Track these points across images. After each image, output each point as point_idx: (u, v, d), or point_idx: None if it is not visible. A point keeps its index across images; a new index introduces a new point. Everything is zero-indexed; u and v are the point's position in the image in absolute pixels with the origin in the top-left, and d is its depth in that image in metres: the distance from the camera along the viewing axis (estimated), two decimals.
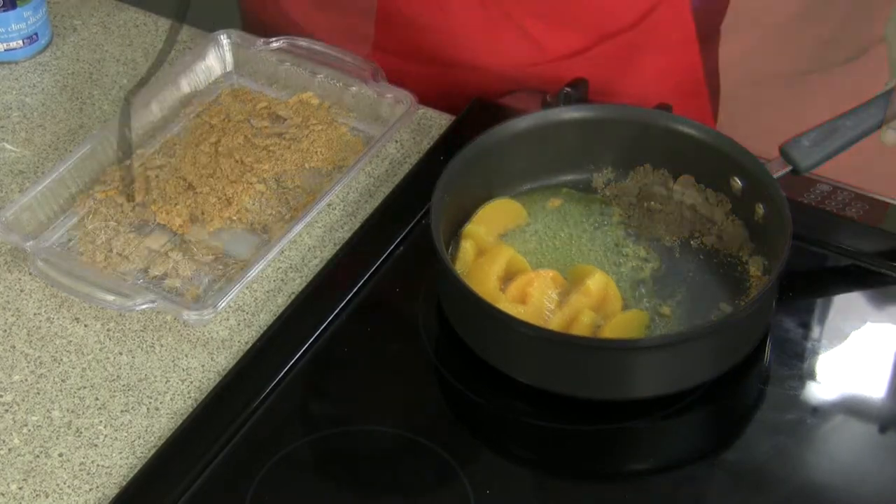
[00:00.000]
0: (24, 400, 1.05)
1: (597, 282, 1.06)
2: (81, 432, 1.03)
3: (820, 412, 1.05)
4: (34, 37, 1.35)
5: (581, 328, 1.04)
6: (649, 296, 1.09)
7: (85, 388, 1.06)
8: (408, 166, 1.23)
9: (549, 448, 1.03)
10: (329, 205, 1.19)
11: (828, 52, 1.48)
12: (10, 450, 1.02)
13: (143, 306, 1.08)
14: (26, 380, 1.07)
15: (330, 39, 1.30)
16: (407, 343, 1.09)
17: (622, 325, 1.05)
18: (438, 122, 1.28)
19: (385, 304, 1.12)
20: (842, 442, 1.03)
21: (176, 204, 1.18)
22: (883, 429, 1.04)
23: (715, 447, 1.03)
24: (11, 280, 1.14)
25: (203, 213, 1.17)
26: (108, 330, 1.10)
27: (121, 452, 1.02)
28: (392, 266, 1.13)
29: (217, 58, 1.30)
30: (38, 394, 1.06)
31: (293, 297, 1.12)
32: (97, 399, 1.05)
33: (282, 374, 1.05)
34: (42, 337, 1.10)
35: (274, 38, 1.30)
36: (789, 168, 1.11)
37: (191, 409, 1.04)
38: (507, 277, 1.08)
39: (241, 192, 1.19)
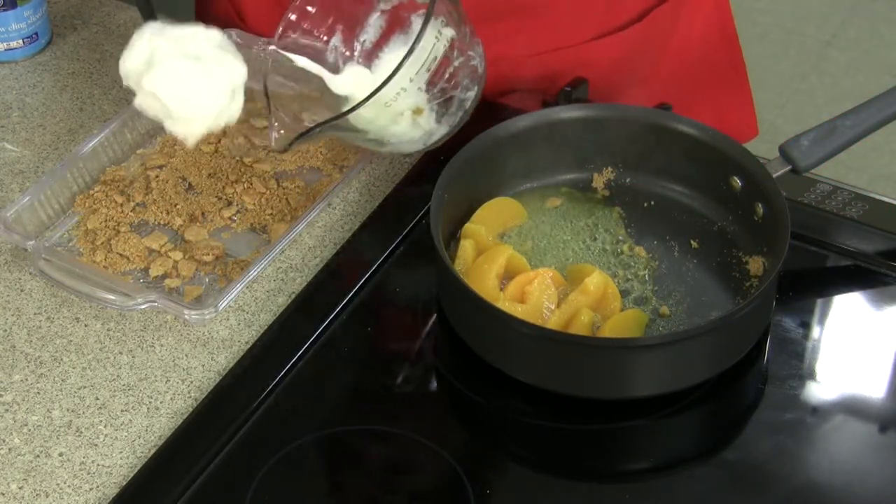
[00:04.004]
0: (24, 399, 1.05)
1: (596, 281, 1.06)
2: (81, 432, 1.03)
3: (820, 412, 1.05)
4: (34, 36, 1.35)
5: (580, 327, 1.04)
6: (648, 295, 1.09)
7: (85, 387, 1.06)
8: (408, 166, 1.23)
9: (549, 447, 1.03)
10: (329, 205, 1.19)
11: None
12: (10, 449, 1.02)
13: (144, 306, 1.08)
14: (26, 379, 1.07)
15: None
16: (407, 343, 1.09)
17: (621, 324, 1.05)
18: None
19: (385, 304, 1.12)
20: (842, 442, 1.03)
21: (176, 204, 1.18)
22: (883, 429, 1.04)
23: (715, 447, 1.03)
24: (12, 280, 1.14)
25: (203, 213, 1.17)
26: (108, 330, 1.10)
27: (121, 452, 1.02)
28: (392, 266, 1.13)
29: None
30: (39, 393, 1.06)
31: (293, 297, 1.12)
32: (97, 399, 1.05)
33: (282, 374, 1.05)
34: (42, 336, 1.10)
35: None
36: (789, 167, 1.11)
37: (191, 409, 1.04)
38: (507, 276, 1.08)
39: (241, 192, 1.19)
